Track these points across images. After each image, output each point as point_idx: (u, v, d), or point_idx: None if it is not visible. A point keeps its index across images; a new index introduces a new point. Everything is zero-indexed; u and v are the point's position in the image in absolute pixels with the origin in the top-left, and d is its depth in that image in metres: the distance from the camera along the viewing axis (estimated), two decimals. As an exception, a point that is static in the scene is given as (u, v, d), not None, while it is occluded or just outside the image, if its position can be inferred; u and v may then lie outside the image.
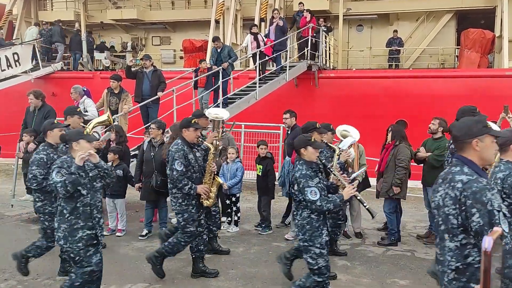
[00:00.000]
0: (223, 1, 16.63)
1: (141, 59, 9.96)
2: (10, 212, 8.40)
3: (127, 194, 7.42)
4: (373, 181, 7.26)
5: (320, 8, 16.20)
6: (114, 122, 8.73)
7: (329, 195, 4.54)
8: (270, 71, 12.43)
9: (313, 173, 4.41)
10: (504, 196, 3.41)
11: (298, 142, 4.54)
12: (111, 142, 7.69)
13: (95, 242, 4.23)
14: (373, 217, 4.87)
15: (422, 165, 6.95)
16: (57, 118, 8.23)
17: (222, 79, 10.61)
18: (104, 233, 7.07)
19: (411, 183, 8.17)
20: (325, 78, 14.46)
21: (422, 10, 16.85)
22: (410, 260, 6.18)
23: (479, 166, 2.69)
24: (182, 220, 5.24)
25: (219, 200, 8.12)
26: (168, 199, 7.15)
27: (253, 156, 8.14)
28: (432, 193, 2.81)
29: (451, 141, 5.10)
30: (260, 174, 7.45)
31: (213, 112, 5.90)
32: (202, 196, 5.32)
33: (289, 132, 7.49)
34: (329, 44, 15.20)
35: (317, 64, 14.02)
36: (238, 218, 7.56)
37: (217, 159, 5.75)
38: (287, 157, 7.36)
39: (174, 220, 7.72)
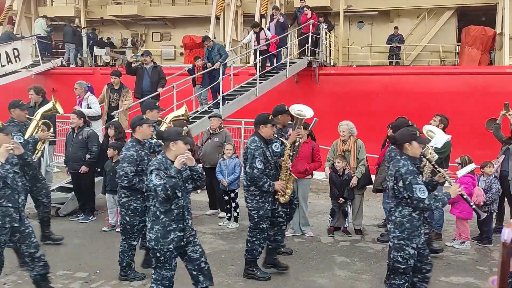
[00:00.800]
0: (224, -3, 16.62)
1: (142, 55, 9.95)
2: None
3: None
4: (373, 178, 7.25)
5: (321, 4, 16.16)
6: (114, 118, 8.75)
7: (435, 193, 4.38)
8: (271, 67, 12.40)
9: (416, 169, 4.22)
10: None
11: (402, 136, 4.29)
12: (110, 138, 7.69)
13: (182, 244, 4.13)
14: (480, 217, 4.67)
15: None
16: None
17: (215, 78, 10.61)
18: (105, 228, 7.17)
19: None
20: (326, 75, 14.44)
21: (423, 7, 16.82)
22: (409, 256, 6.17)
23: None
24: (257, 217, 5.16)
25: (216, 196, 8.14)
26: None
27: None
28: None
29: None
30: None
31: (296, 109, 5.70)
32: (278, 193, 5.27)
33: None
34: (330, 41, 15.17)
35: (318, 60, 13.99)
36: (238, 214, 7.56)
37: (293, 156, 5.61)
38: None
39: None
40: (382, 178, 6.69)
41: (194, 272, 4.24)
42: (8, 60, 14.99)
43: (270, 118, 5.17)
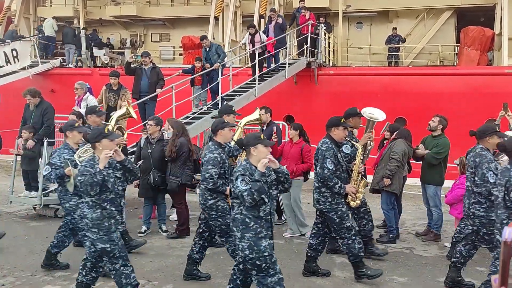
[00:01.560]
0: (223, -2, 16.62)
1: (141, 55, 9.94)
2: (9, 208, 8.39)
3: (126, 191, 7.40)
4: (370, 178, 7.26)
5: (320, 5, 16.17)
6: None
7: None
8: (269, 69, 12.40)
9: None
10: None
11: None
12: None
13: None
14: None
15: (420, 162, 6.96)
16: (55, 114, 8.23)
17: (213, 79, 10.58)
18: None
19: (410, 181, 8.18)
20: (325, 76, 14.44)
21: (421, 8, 16.83)
22: (408, 257, 6.18)
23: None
24: (337, 217, 5.12)
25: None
26: (166, 196, 7.18)
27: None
28: None
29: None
30: None
31: (368, 112, 5.71)
32: (349, 196, 5.24)
33: (264, 128, 7.46)
34: (329, 41, 15.17)
35: (317, 61, 13.99)
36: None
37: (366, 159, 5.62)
38: None
39: (172, 217, 7.75)
40: (379, 178, 6.70)
41: None
42: (7, 60, 14.96)
43: (342, 120, 5.16)
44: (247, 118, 6.73)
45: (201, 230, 5.29)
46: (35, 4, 20.18)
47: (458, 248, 5.18)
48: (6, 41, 15.32)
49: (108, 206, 4.33)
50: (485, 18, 16.03)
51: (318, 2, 16.10)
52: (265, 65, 12.50)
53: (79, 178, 4.20)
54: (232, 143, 5.46)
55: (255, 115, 6.71)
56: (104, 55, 17.38)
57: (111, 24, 20.17)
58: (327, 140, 5.16)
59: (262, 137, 4.13)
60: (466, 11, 16.71)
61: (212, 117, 8.32)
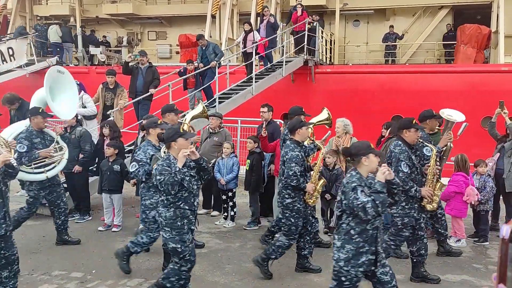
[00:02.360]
0: (219, -4, 16.59)
1: (139, 54, 9.87)
2: (6, 207, 8.35)
3: (123, 189, 7.40)
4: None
5: (316, 3, 16.16)
6: (110, 117, 8.72)
7: None
8: (266, 67, 12.39)
9: None
10: None
11: None
12: (105, 138, 7.65)
13: (372, 268, 3.89)
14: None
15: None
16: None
17: (209, 78, 10.53)
18: (100, 228, 7.15)
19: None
20: (322, 73, 14.45)
21: (418, 5, 16.85)
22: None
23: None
24: (401, 224, 5.02)
25: (212, 195, 8.13)
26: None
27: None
28: None
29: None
30: (248, 168, 7.42)
31: (446, 113, 5.67)
32: (424, 200, 5.13)
33: (264, 125, 7.45)
34: (325, 39, 15.17)
35: (314, 59, 13.99)
36: (235, 213, 7.55)
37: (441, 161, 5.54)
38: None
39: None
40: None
41: None
42: (3, 59, 14.91)
43: (414, 122, 5.06)
44: (316, 118, 6.69)
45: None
46: (31, 2, 20.12)
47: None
48: (3, 39, 15.27)
49: (182, 205, 4.30)
50: (482, 15, 16.07)
51: (315, 0, 16.09)
52: (261, 63, 12.47)
53: (158, 177, 4.16)
54: (306, 142, 5.44)
55: (324, 114, 6.68)
56: (101, 53, 17.34)
57: (107, 22, 20.13)
58: (400, 143, 4.99)
59: (371, 146, 3.94)
60: (463, 9, 16.75)
61: (209, 115, 8.29)
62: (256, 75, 11.67)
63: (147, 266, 5.70)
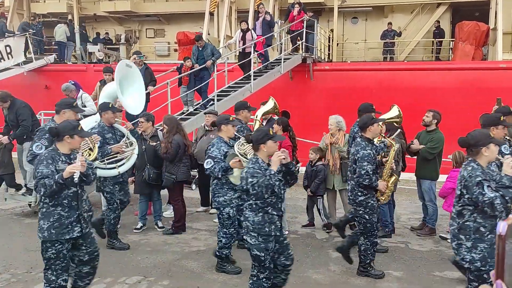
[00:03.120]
0: (218, -7, 16.55)
1: (138, 56, 9.80)
2: (4, 206, 8.35)
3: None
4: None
5: (315, 0, 16.13)
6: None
7: None
8: (264, 64, 12.38)
9: None
10: None
11: None
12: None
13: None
14: None
15: (415, 157, 6.98)
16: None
17: (202, 79, 10.47)
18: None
19: (405, 175, 8.22)
20: (320, 71, 14.44)
21: (416, 2, 16.85)
22: (404, 251, 6.21)
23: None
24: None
25: (210, 193, 8.10)
26: (162, 192, 7.17)
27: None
28: None
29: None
30: None
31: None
32: None
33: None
34: (323, 36, 15.14)
35: (312, 56, 13.98)
36: (233, 211, 7.54)
37: None
38: None
39: (166, 214, 7.74)
40: None
41: None
42: (0, 57, 14.87)
43: (502, 119, 5.03)
44: (386, 115, 6.63)
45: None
46: (29, 0, 20.04)
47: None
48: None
49: (270, 210, 4.14)
50: (480, 12, 16.07)
51: (314, -3, 16.09)
52: (259, 61, 12.44)
53: (250, 179, 4.02)
54: (375, 140, 5.39)
55: (395, 111, 6.66)
56: (99, 51, 17.30)
57: (105, 20, 20.08)
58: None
59: (491, 136, 3.83)
60: (461, 6, 16.75)
61: (205, 113, 8.30)
62: (254, 72, 11.66)
63: (145, 263, 5.71)
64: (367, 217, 5.11)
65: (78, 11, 19.17)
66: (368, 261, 5.26)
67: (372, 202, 5.13)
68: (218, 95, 10.57)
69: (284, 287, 4.53)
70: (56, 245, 4.01)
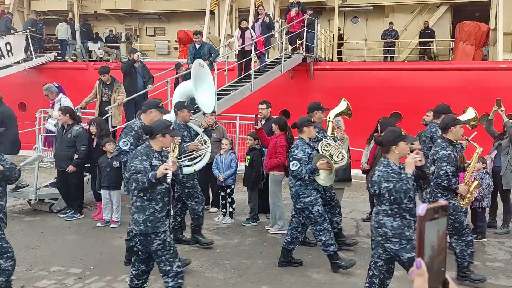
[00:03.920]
0: (218, -8, 16.53)
1: (134, 53, 9.79)
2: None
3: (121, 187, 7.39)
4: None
5: (315, -1, 16.13)
6: (107, 113, 8.68)
7: None
8: (264, 63, 12.37)
9: None
10: None
11: None
12: (93, 136, 7.52)
13: None
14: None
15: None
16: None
17: None
18: (99, 224, 7.15)
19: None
20: (320, 70, 14.44)
21: (417, 2, 16.84)
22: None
23: None
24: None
25: (211, 192, 8.11)
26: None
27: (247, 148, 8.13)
28: None
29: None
30: (247, 164, 7.43)
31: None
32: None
33: (262, 122, 7.46)
34: (324, 35, 15.13)
35: (312, 56, 13.98)
36: (233, 209, 7.56)
37: None
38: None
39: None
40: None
41: None
42: (1, 54, 14.85)
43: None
44: (465, 116, 6.55)
45: None
46: (29, -3, 20.02)
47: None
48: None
49: (407, 216, 4.04)
50: (481, 13, 16.06)
51: (314, -3, 16.07)
52: (258, 61, 12.44)
53: (385, 184, 3.92)
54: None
55: (471, 113, 6.60)
56: (99, 49, 17.27)
57: (106, 18, 20.05)
58: None
59: None
60: (462, 6, 16.74)
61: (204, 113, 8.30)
62: (254, 71, 11.66)
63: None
64: (452, 218, 5.00)
65: (78, 9, 19.15)
66: (466, 263, 5.09)
67: (454, 202, 5.04)
68: (218, 94, 10.56)
69: (285, 287, 4.54)
70: (159, 235, 4.16)
